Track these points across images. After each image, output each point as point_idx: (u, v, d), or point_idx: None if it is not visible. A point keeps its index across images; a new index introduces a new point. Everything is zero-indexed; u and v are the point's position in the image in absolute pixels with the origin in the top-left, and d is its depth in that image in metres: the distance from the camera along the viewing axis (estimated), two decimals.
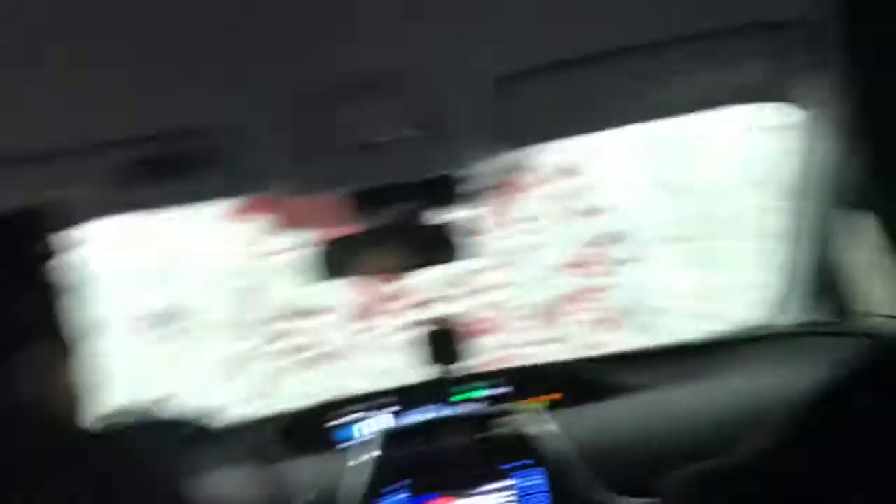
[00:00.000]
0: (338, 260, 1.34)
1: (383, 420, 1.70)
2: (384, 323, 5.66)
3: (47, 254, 0.62)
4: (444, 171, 1.19)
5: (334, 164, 1.10)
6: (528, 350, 5.49)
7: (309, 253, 1.35)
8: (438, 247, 1.33)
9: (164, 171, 1.02)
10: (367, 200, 1.27)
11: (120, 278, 4.08)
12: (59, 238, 0.63)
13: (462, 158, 1.14)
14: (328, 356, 5.68)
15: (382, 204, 1.28)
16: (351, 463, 1.36)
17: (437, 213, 1.33)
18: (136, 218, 1.26)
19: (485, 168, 1.19)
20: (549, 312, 5.63)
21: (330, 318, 5.68)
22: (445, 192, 1.27)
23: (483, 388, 1.70)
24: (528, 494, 1.28)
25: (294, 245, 5.39)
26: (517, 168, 1.43)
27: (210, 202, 1.29)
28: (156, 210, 1.27)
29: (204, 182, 1.10)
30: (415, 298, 5.60)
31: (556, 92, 1.06)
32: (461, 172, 1.21)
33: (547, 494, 1.27)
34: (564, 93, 1.07)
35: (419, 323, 1.70)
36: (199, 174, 1.05)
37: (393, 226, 1.28)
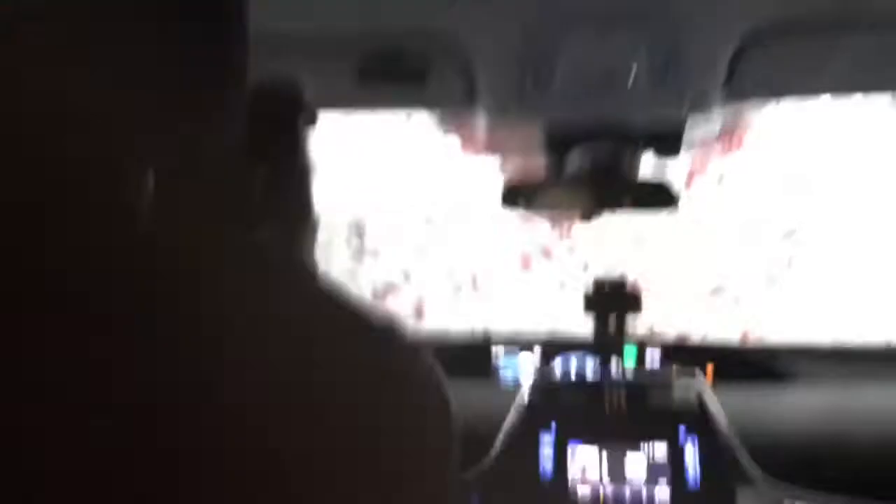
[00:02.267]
0: (530, 192, 1.36)
1: (541, 363, 1.75)
2: (556, 268, 5.69)
3: (290, 133, 0.64)
4: (667, 116, 1.18)
5: (556, 94, 1.10)
6: (693, 322, 5.38)
7: (503, 181, 1.37)
8: (638, 194, 1.32)
9: (397, 71, 1.06)
10: (575, 135, 1.27)
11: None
12: (298, 122, 0.66)
13: (688, 106, 1.12)
14: (497, 293, 5.79)
15: (591, 140, 1.27)
16: (506, 397, 1.40)
17: (645, 158, 1.32)
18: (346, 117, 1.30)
19: (706, 119, 1.17)
20: (720, 287, 5.48)
21: (506, 254, 5.76)
22: (661, 138, 1.26)
23: (640, 350, 1.71)
24: (678, 460, 1.27)
25: (487, 171, 5.48)
26: (734, 125, 1.38)
27: (422, 111, 1.32)
28: (372, 110, 1.32)
29: (426, 90, 1.12)
30: (593, 248, 5.59)
31: (797, 51, 1.03)
32: (681, 120, 1.19)
33: (698, 464, 1.26)
34: (804, 53, 1.03)
35: (591, 275, 1.72)
36: (424, 80, 1.08)
37: (595, 165, 1.28)
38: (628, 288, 1.59)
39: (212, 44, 0.47)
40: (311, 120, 0.65)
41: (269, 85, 0.59)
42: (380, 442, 0.43)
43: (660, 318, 5.34)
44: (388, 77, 1.07)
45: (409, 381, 0.47)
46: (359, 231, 5.16)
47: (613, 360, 1.67)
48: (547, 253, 5.64)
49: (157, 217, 0.44)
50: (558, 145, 1.31)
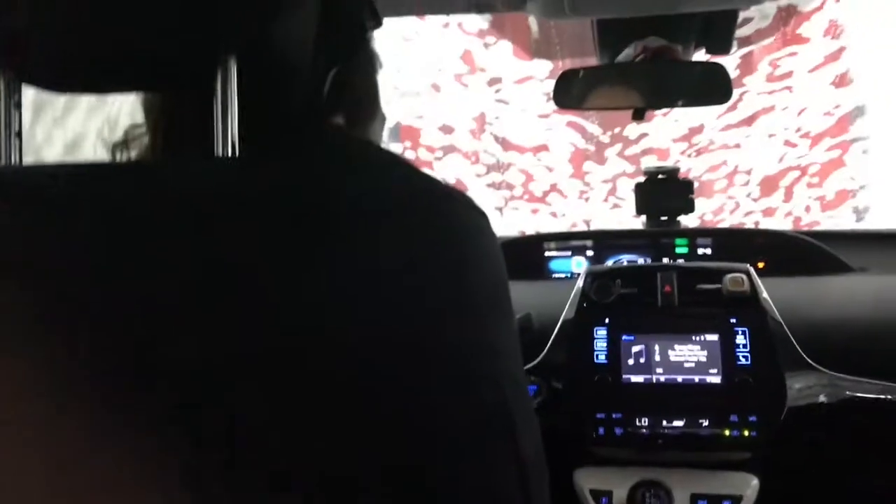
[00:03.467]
0: (583, 91, 1.36)
1: (594, 260, 1.78)
2: (606, 164, 5.65)
3: (359, 31, 0.66)
4: (723, 7, 1.16)
5: None
6: (743, 216, 5.33)
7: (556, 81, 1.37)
8: (690, 89, 1.32)
9: None
10: (622, 29, 1.26)
11: None
12: (365, 21, 0.67)
13: None
14: (548, 191, 5.78)
15: (639, 35, 1.27)
16: (561, 293, 1.43)
17: (695, 52, 1.31)
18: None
19: (758, 11, 1.15)
20: (772, 181, 5.39)
21: (555, 153, 5.73)
22: (712, 34, 1.24)
23: (691, 244, 1.73)
24: (730, 350, 1.29)
25: (535, 74, 5.43)
26: (789, 17, 1.35)
27: (476, 13, 1.32)
28: (426, 13, 1.31)
29: None
30: (643, 144, 5.52)
31: None
32: (732, 14, 1.17)
33: (749, 354, 1.28)
34: None
35: (642, 170, 1.72)
36: None
37: (647, 61, 1.27)
38: (679, 178, 1.59)
39: None
40: (376, 21, 0.67)
41: None
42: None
43: (711, 208, 5.30)
44: None
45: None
46: (394, 136, 5.16)
47: (665, 255, 1.69)
48: (598, 154, 5.58)
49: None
50: (609, 44, 1.30)
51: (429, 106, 5.52)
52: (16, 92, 0.52)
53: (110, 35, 0.47)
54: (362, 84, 0.67)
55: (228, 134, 0.48)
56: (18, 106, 0.52)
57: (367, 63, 0.68)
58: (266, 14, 0.47)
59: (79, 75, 0.55)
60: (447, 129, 5.61)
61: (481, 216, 0.51)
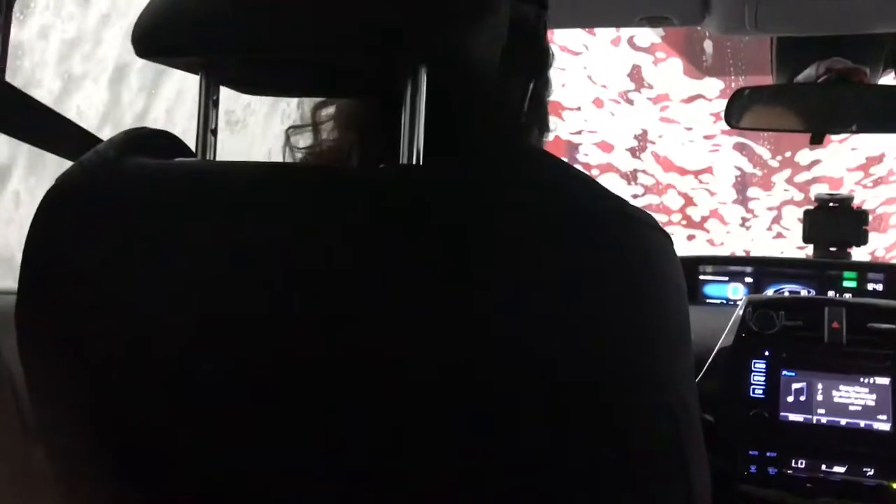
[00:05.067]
0: (754, 108, 1.31)
1: (752, 288, 1.71)
2: (773, 190, 5.40)
3: (543, 45, 0.67)
4: None
5: (790, 9, 1.05)
6: None
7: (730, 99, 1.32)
8: (873, 114, 1.24)
9: None
10: (804, 48, 1.20)
11: None
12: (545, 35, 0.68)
13: None
14: (707, 217, 5.60)
15: (821, 55, 1.21)
16: (715, 319, 1.38)
17: (883, 75, 1.24)
18: None
19: None
20: None
21: (719, 177, 5.54)
22: None
23: (861, 279, 1.63)
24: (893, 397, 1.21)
25: (705, 92, 5.28)
26: None
27: (640, 26, 1.30)
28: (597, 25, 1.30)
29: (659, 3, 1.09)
30: (815, 171, 5.25)
31: None
32: None
33: None
34: None
35: (812, 197, 1.64)
36: None
37: (827, 82, 1.21)
38: (853, 207, 1.50)
39: None
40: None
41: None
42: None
43: (884, 244, 4.97)
44: None
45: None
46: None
47: (831, 287, 1.60)
48: (765, 179, 5.35)
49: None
50: (789, 63, 1.25)
51: (589, 122, 5.46)
52: (215, 92, 0.55)
53: (305, 41, 0.48)
54: (545, 99, 0.68)
55: (415, 142, 0.48)
56: (216, 104, 0.55)
57: (546, 76, 0.68)
58: (459, 27, 0.48)
59: (275, 80, 0.58)
60: (606, 147, 5.54)
61: (667, 239, 0.50)
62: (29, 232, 0.53)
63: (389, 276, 0.43)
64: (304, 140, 0.66)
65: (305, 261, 0.45)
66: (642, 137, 5.55)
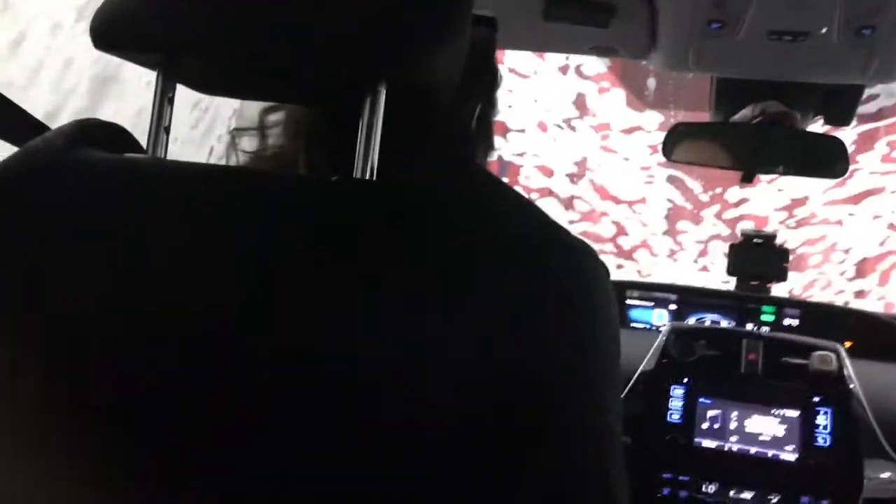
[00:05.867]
0: (690, 143, 1.35)
1: (676, 315, 1.75)
2: (701, 224, 5.53)
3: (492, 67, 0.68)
4: (845, 82, 1.14)
5: (736, 49, 1.08)
6: (834, 294, 5.15)
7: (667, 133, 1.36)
8: (804, 158, 1.29)
9: (583, 11, 1.06)
10: (742, 90, 1.25)
11: None
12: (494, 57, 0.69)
13: (871, 73, 1.08)
14: (637, 246, 5.69)
15: (758, 98, 1.25)
16: (638, 344, 1.41)
17: (813, 122, 1.29)
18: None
19: (884, 90, 1.13)
20: (869, 264, 5.20)
21: (651, 208, 5.64)
22: (834, 104, 1.22)
23: (779, 313, 1.68)
24: (810, 429, 1.25)
25: (644, 124, 5.38)
26: None
27: (597, 55, 1.32)
28: (547, 50, 1.32)
29: (608, 33, 1.12)
30: (742, 209, 5.39)
31: None
32: (858, 88, 1.15)
33: (829, 436, 1.24)
34: None
35: (737, 233, 1.70)
36: (607, 23, 1.08)
37: (764, 124, 1.26)
38: (776, 245, 1.56)
39: None
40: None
41: (475, 22, 0.62)
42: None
43: (801, 283, 5.13)
44: (574, 17, 1.08)
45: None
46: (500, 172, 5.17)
47: (750, 320, 1.65)
48: (695, 213, 5.47)
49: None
50: (726, 102, 1.29)
51: (533, 145, 5.51)
52: (170, 89, 0.55)
53: (271, 48, 0.49)
54: (492, 118, 0.69)
55: (370, 158, 0.49)
56: (171, 102, 0.55)
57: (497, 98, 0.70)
58: (423, 49, 0.49)
59: (231, 82, 0.59)
60: (547, 171, 5.59)
61: (604, 269, 0.51)
62: None
63: (324, 284, 0.44)
64: (248, 142, 0.66)
65: (255, 261, 0.46)
66: (582, 164, 5.62)
